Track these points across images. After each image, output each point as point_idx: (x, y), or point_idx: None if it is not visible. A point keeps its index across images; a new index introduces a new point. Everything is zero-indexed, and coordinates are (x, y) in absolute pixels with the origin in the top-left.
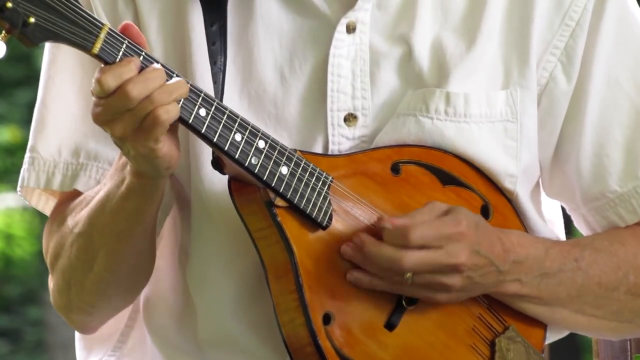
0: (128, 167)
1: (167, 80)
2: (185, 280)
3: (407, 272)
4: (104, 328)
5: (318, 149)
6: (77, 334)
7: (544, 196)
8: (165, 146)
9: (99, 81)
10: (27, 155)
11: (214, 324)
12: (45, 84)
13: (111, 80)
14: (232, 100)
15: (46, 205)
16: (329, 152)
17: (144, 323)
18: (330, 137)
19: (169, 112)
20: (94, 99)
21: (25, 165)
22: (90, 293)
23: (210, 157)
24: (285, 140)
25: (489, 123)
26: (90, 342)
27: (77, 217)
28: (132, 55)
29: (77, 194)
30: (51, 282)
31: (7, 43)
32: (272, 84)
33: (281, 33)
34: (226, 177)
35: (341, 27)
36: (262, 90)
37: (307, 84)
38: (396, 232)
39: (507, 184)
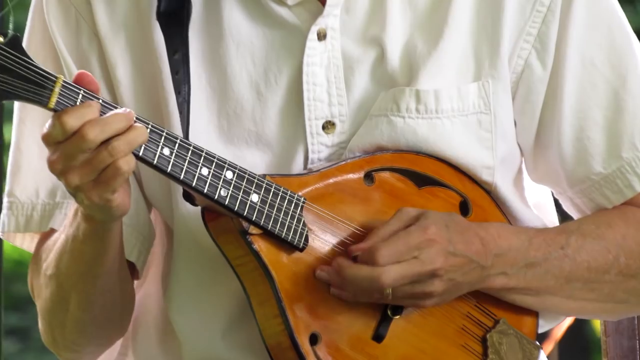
0: (79, 213)
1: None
2: (171, 305)
3: (387, 288)
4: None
5: (299, 159)
6: None
7: (530, 182)
8: (120, 196)
9: (61, 122)
10: (5, 200)
11: (203, 345)
12: (18, 127)
13: (73, 121)
14: (212, 122)
15: (31, 244)
16: (309, 161)
17: (131, 350)
18: (310, 147)
19: (129, 163)
20: (48, 146)
21: (4, 211)
22: (71, 332)
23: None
24: (268, 154)
25: (461, 117)
26: None
27: (48, 261)
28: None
29: (54, 231)
30: (39, 322)
31: None
32: (249, 101)
33: (253, 48)
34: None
35: (312, 35)
36: (240, 108)
37: (284, 96)
38: (365, 255)
39: (485, 176)
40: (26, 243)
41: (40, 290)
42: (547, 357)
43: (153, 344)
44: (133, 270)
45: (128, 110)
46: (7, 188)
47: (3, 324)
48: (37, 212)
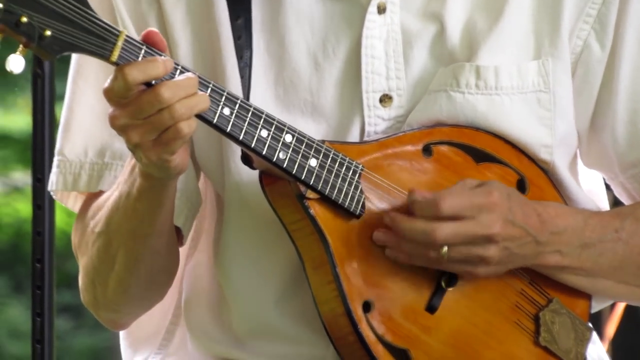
0: (137, 169)
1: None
2: (223, 273)
3: (442, 244)
4: (149, 326)
5: (355, 131)
6: (121, 332)
7: (584, 167)
8: (179, 156)
9: (123, 75)
10: (55, 158)
11: (255, 314)
12: (71, 88)
13: (136, 74)
14: (268, 89)
15: None
16: (365, 134)
17: (184, 319)
18: (366, 119)
19: (191, 126)
20: (110, 101)
21: (53, 169)
22: (114, 292)
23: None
24: (323, 125)
25: (521, 94)
26: (135, 340)
27: (97, 217)
28: None
29: (102, 193)
30: (79, 280)
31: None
32: (307, 71)
33: (312, 19)
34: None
35: (372, 9)
36: (296, 78)
37: (341, 67)
38: (426, 203)
39: (543, 154)
40: (78, 205)
41: (87, 248)
42: None
43: (205, 313)
44: (179, 236)
45: (194, 75)
46: (57, 147)
47: (56, 302)
48: (85, 171)
